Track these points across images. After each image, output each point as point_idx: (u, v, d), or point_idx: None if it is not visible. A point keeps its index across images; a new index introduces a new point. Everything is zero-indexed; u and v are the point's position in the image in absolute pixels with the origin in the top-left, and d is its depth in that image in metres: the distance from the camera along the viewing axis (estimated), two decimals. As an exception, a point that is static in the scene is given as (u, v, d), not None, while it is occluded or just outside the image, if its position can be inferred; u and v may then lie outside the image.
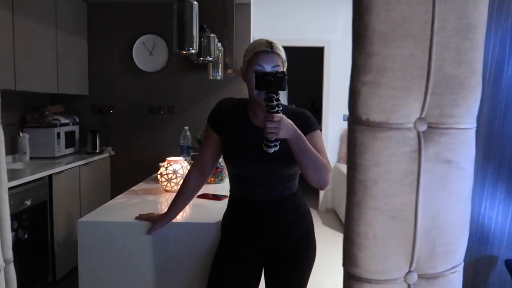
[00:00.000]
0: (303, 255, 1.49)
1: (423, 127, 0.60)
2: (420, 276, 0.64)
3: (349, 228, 0.64)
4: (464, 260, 0.68)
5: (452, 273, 0.65)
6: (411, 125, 0.60)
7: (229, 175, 1.55)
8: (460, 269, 0.66)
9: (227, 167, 1.54)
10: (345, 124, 5.03)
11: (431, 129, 0.61)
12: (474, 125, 0.63)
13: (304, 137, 1.31)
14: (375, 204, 0.62)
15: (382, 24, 0.58)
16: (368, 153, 0.60)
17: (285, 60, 1.44)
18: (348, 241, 0.64)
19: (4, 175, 0.69)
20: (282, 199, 1.46)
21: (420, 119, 0.60)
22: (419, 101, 0.60)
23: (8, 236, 0.70)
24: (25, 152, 3.26)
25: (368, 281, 0.63)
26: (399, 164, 0.61)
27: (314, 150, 1.33)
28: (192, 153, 2.89)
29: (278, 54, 1.40)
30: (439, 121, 0.60)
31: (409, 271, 0.64)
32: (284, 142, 1.30)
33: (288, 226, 1.48)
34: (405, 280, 0.64)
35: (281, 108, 1.27)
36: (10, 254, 0.70)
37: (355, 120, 0.61)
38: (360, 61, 0.59)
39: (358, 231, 0.62)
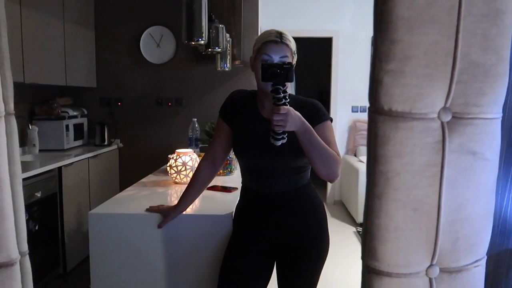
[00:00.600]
0: (316, 248, 1.48)
1: (447, 117, 0.58)
2: (442, 270, 0.63)
3: (369, 221, 0.62)
4: (486, 254, 0.66)
5: (475, 266, 0.63)
6: (435, 115, 0.58)
7: (240, 167, 1.54)
8: (483, 263, 0.64)
9: (237, 159, 1.53)
10: (353, 115, 4.98)
11: (455, 119, 0.59)
12: (500, 114, 0.60)
13: (313, 130, 1.29)
14: (397, 196, 0.60)
15: (406, 9, 0.55)
16: (390, 144, 0.59)
17: (295, 51, 1.42)
18: (368, 234, 0.62)
19: (18, 167, 0.69)
20: (293, 191, 1.45)
21: (444, 108, 0.58)
22: (443, 90, 0.58)
23: (23, 228, 0.70)
24: (34, 145, 3.28)
25: (389, 274, 0.62)
26: (422, 155, 0.59)
27: (323, 143, 1.30)
28: (200, 145, 2.88)
29: (287, 45, 1.38)
30: (464, 111, 0.58)
31: (431, 265, 0.62)
32: (292, 134, 1.28)
33: (300, 219, 1.46)
34: (426, 274, 0.63)
35: (288, 100, 1.24)
36: (25, 247, 0.70)
37: (376, 110, 0.59)
38: (382, 48, 0.57)
39: (379, 223, 0.61)
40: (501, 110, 0.61)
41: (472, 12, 0.56)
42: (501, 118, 0.61)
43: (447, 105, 0.59)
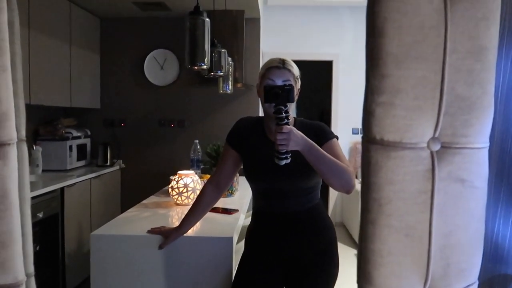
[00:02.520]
0: (326, 269, 1.50)
1: (436, 147, 0.62)
2: (435, 294, 0.65)
3: (363, 246, 0.65)
4: (479, 279, 0.68)
5: (466, 291, 0.65)
6: (425, 145, 0.61)
7: (251, 190, 1.59)
8: (474, 288, 0.66)
9: (249, 183, 1.57)
10: (354, 137, 5.03)
11: (444, 149, 0.62)
12: (487, 144, 0.64)
13: (317, 146, 1.33)
14: (389, 222, 0.62)
15: (395, 46, 0.59)
16: (382, 172, 0.62)
17: (298, 77, 1.48)
18: (363, 258, 0.65)
19: (28, 191, 0.72)
20: (304, 211, 1.49)
21: (433, 138, 0.61)
22: (432, 121, 0.61)
23: (30, 250, 0.72)
24: (37, 165, 3.31)
25: (383, 298, 0.64)
26: (412, 183, 0.62)
27: (331, 157, 1.33)
28: (202, 167, 2.91)
29: (289, 70, 1.44)
30: (452, 141, 0.62)
31: (424, 289, 0.64)
32: (299, 155, 1.31)
33: (311, 238, 1.50)
34: (419, 298, 0.65)
35: (290, 120, 1.30)
36: (31, 268, 0.72)
37: (369, 140, 0.62)
38: (374, 82, 0.61)
39: (372, 248, 0.63)
40: (487, 140, 0.64)
41: (457, 49, 0.60)
42: (488, 148, 0.64)
43: (436, 135, 0.62)
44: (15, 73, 0.69)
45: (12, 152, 0.66)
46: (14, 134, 0.67)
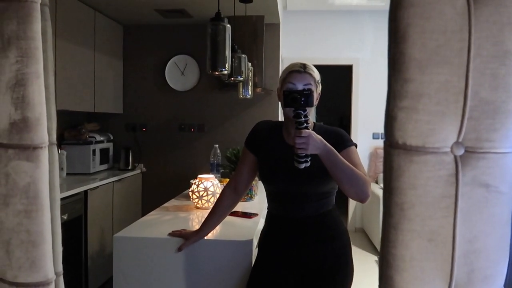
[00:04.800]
0: (340, 275, 1.49)
1: (460, 151, 0.61)
2: (459, 301, 0.64)
3: (385, 250, 0.65)
4: (505, 286, 0.67)
5: (492, 298, 0.64)
6: (448, 149, 0.61)
7: (266, 193, 1.59)
8: (500, 295, 0.65)
9: (264, 186, 1.58)
10: (374, 142, 4.97)
11: (468, 153, 0.61)
12: (512, 149, 0.63)
13: (335, 151, 1.33)
14: (412, 227, 0.62)
15: (418, 51, 0.59)
16: (405, 176, 0.62)
17: (319, 81, 1.49)
18: (385, 263, 0.65)
19: (58, 193, 0.75)
20: (319, 215, 1.48)
21: (457, 143, 0.61)
22: (455, 125, 0.61)
23: (59, 250, 0.75)
24: (62, 168, 3.40)
25: (405, 304, 0.63)
26: (435, 188, 0.61)
27: (349, 164, 1.33)
28: (221, 171, 2.94)
29: (310, 74, 1.45)
30: (476, 145, 0.61)
31: (448, 295, 0.64)
32: (318, 160, 1.32)
33: (324, 244, 1.49)
34: (443, 304, 0.64)
35: (309, 124, 1.30)
36: (60, 267, 0.75)
37: (391, 144, 0.62)
38: (396, 87, 0.61)
39: (395, 253, 0.63)
40: (513, 145, 0.63)
41: (481, 53, 0.59)
42: (513, 153, 0.63)
43: (460, 140, 0.61)
44: (47, 79, 0.72)
45: (44, 155, 0.69)
46: (46, 138, 0.70)
